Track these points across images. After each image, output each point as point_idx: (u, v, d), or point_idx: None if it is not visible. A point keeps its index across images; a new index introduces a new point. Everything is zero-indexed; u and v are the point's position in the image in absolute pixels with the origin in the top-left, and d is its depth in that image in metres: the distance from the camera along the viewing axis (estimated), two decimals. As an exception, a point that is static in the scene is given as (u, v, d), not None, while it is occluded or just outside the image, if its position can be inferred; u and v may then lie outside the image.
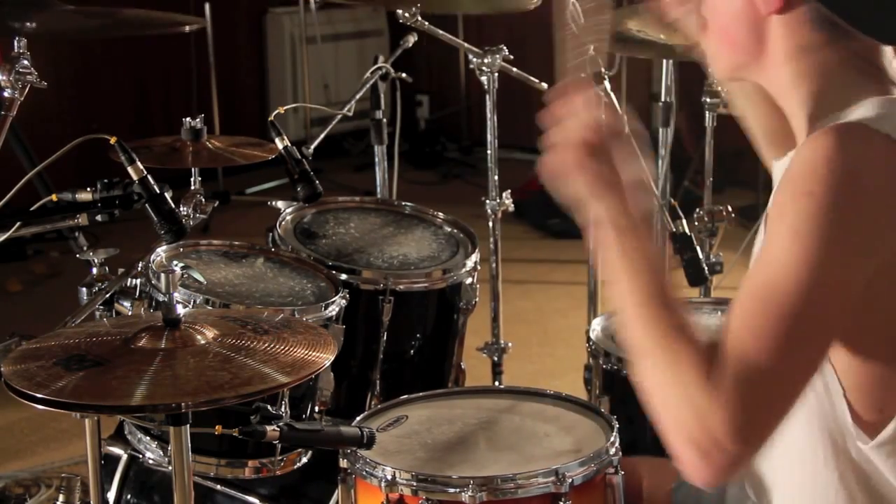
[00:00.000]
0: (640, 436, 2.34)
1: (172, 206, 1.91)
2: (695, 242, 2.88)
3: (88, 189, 1.91)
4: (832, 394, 1.59)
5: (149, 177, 1.89)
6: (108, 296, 2.33)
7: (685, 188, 5.47)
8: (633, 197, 1.58)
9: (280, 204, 2.86)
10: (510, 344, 3.34)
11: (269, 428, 1.82)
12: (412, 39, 3.42)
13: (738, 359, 1.44)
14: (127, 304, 2.35)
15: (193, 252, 2.59)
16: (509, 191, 3.27)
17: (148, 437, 2.35)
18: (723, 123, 3.15)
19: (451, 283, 2.74)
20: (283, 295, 2.48)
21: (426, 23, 3.23)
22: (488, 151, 3.26)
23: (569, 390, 2.31)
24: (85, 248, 2.43)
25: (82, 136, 1.90)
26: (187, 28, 3.08)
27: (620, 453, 2.02)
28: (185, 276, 2.31)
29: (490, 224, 3.26)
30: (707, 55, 1.71)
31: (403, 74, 3.35)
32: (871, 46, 1.59)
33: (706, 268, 2.89)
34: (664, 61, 3.64)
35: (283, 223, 2.79)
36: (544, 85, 3.36)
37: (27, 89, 2.32)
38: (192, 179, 2.51)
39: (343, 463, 2.06)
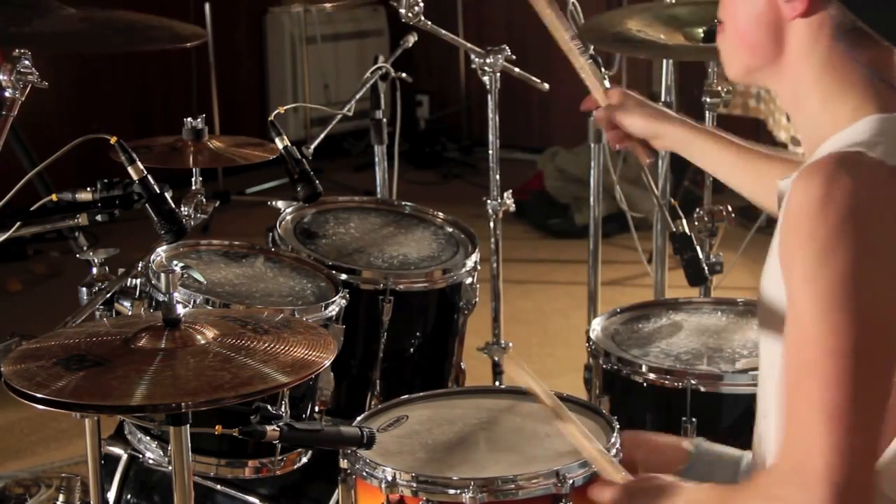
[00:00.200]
0: (640, 436, 2.34)
1: (172, 206, 1.91)
2: (695, 242, 2.88)
3: (88, 189, 1.91)
4: None
5: (149, 177, 1.89)
6: (108, 296, 2.33)
7: (685, 188, 5.47)
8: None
9: (280, 204, 2.86)
10: (510, 344, 3.34)
11: (269, 428, 1.82)
12: (412, 39, 3.43)
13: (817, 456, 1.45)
14: (127, 304, 2.35)
15: (193, 252, 2.59)
16: (510, 190, 3.27)
17: (148, 437, 2.35)
18: (723, 123, 3.15)
19: (451, 283, 2.74)
20: (283, 295, 2.48)
21: (428, 22, 3.23)
22: (490, 151, 3.26)
23: (569, 390, 2.30)
24: (85, 248, 2.43)
25: (82, 136, 1.90)
26: (188, 45, 3.09)
27: (621, 454, 2.02)
28: (185, 276, 2.31)
29: (491, 224, 3.26)
30: (722, 56, 1.72)
31: (403, 74, 3.35)
32: (886, 59, 1.60)
33: (706, 268, 2.88)
34: (664, 61, 3.64)
35: (283, 223, 2.79)
36: (545, 85, 3.37)
37: (28, 89, 2.33)
38: (192, 179, 2.52)
39: (343, 463, 2.06)
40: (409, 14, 3.17)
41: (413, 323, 2.75)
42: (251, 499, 2.50)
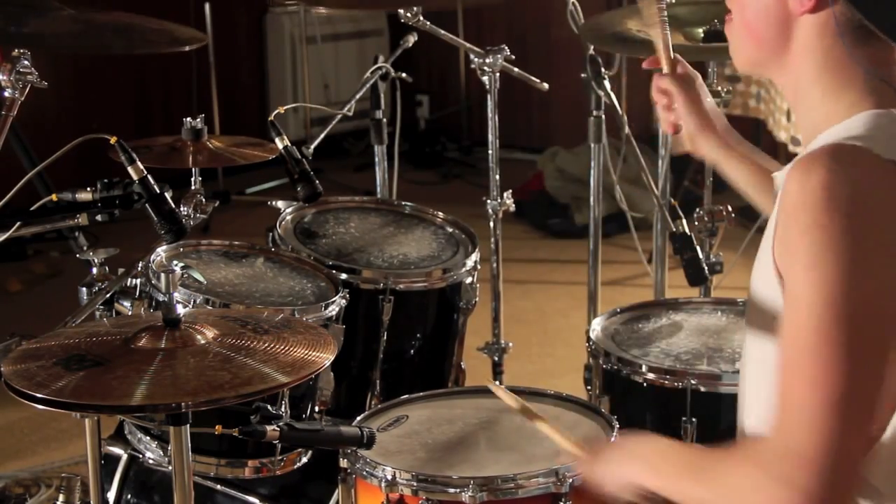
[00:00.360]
0: (640, 436, 2.34)
1: (172, 206, 1.91)
2: (695, 242, 2.88)
3: (88, 189, 1.91)
4: None
5: (149, 177, 1.89)
6: (108, 296, 2.33)
7: (685, 188, 5.47)
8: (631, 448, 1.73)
9: (280, 204, 2.86)
10: (510, 344, 3.34)
11: (269, 428, 1.82)
12: (412, 39, 3.43)
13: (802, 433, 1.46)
14: (127, 303, 2.35)
15: (193, 252, 2.59)
16: (510, 190, 3.27)
17: (148, 437, 2.35)
18: (723, 123, 3.15)
19: (451, 283, 2.74)
20: (283, 295, 2.48)
21: (427, 22, 3.23)
22: (489, 151, 3.26)
23: (569, 390, 2.31)
24: (85, 248, 2.43)
25: (82, 136, 1.90)
26: (187, 48, 3.08)
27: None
28: (185, 276, 2.31)
29: (491, 224, 3.26)
30: (730, 47, 1.73)
31: (403, 74, 3.35)
32: (887, 57, 1.62)
33: (706, 268, 2.89)
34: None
35: (283, 223, 2.79)
36: (545, 85, 3.37)
37: (28, 89, 2.33)
38: (192, 179, 2.51)
39: (343, 463, 2.06)
40: (409, 14, 3.17)
41: (413, 323, 2.75)
42: (251, 499, 2.50)
